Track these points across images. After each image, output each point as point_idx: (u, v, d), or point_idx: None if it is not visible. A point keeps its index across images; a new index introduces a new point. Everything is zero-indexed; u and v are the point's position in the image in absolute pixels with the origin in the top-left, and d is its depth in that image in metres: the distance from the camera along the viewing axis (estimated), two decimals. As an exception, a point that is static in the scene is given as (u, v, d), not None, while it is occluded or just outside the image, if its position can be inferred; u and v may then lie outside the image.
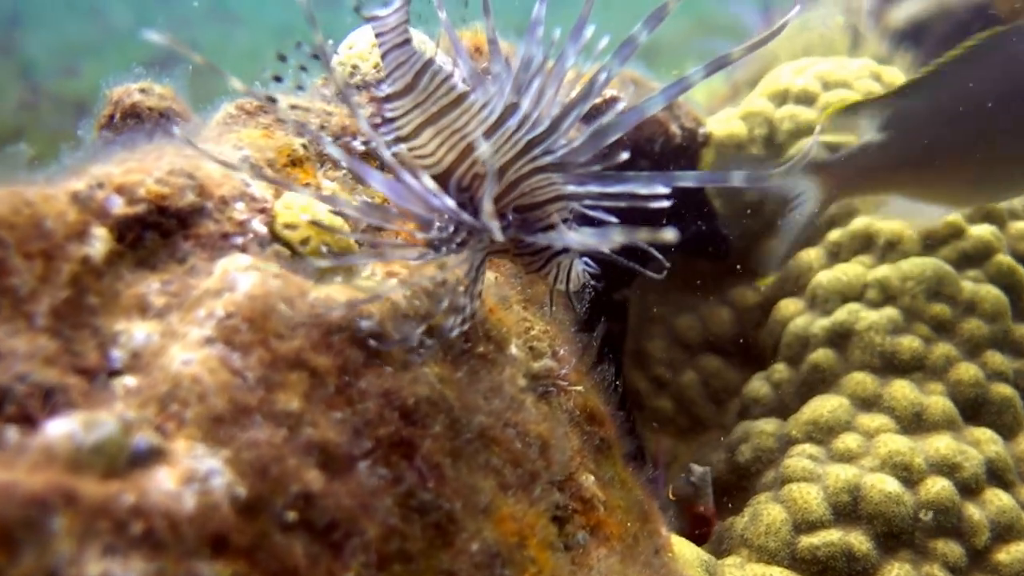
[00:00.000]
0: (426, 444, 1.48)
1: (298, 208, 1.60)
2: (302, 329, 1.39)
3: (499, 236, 1.31)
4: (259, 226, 1.54)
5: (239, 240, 1.49)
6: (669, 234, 1.13)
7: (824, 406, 2.70)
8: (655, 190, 1.46)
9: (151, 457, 1.16)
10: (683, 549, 2.23)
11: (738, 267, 3.47)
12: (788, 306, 3.11)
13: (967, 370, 2.70)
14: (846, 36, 5.31)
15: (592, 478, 2.00)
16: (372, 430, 1.40)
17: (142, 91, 2.30)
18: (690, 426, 3.40)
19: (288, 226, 1.56)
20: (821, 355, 2.86)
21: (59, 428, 1.09)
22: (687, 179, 1.49)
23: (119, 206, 1.40)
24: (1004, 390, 2.70)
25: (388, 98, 1.59)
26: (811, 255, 3.21)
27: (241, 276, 1.39)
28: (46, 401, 1.17)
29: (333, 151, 1.35)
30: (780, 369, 2.99)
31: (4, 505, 0.97)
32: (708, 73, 1.54)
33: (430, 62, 1.58)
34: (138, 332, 1.32)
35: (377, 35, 1.60)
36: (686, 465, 3.04)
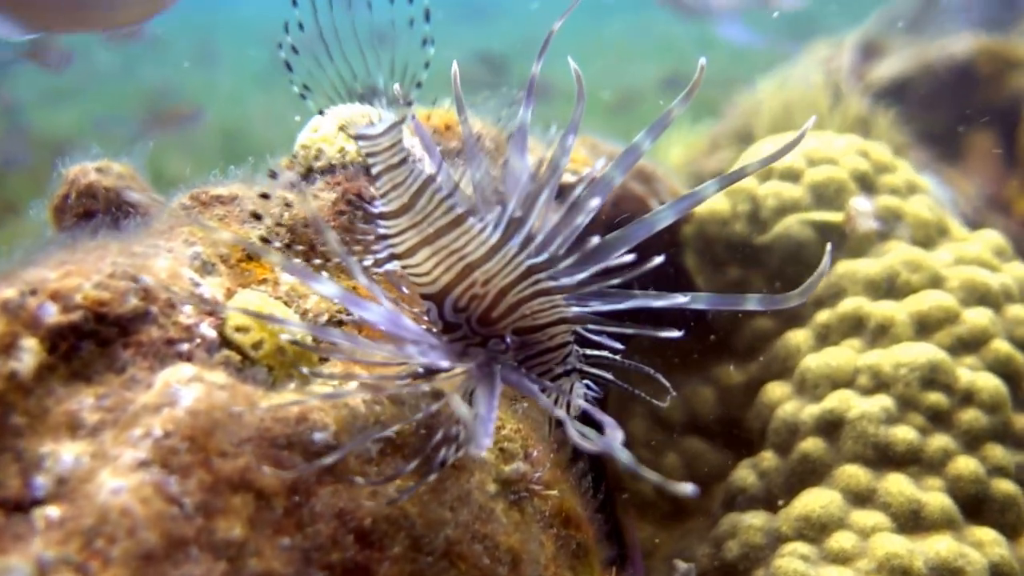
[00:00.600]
0: (384, 568, 1.39)
1: (252, 309, 1.52)
2: (248, 446, 1.31)
3: (487, 447, 1.26)
4: (208, 330, 1.46)
5: (185, 347, 1.41)
6: (687, 488, 1.11)
7: (816, 501, 2.61)
8: (674, 301, 1.45)
9: (69, 605, 1.06)
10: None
11: (712, 338, 3.41)
12: (775, 390, 3.03)
13: (966, 464, 2.61)
14: (827, 94, 5.35)
15: (568, 588, 1.91)
16: (324, 556, 1.31)
17: (99, 170, 2.25)
18: (672, 512, 3.29)
19: (239, 329, 1.48)
20: (811, 444, 2.78)
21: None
22: (700, 301, 1.47)
23: (53, 315, 1.32)
24: (1006, 486, 2.61)
25: (383, 215, 1.53)
26: (799, 337, 3.14)
27: (183, 389, 1.31)
28: (-44, 539, 1.08)
29: (325, 289, 1.29)
30: (768, 457, 2.90)
31: None
32: (722, 187, 1.51)
33: (429, 181, 1.52)
34: (66, 455, 1.23)
35: (368, 155, 1.54)
36: (669, 559, 2.93)
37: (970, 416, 2.69)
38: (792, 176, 3.41)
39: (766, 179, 3.45)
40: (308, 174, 2.11)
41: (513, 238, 1.48)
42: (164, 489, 1.19)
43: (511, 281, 1.47)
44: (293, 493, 1.31)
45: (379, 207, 1.53)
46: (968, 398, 2.71)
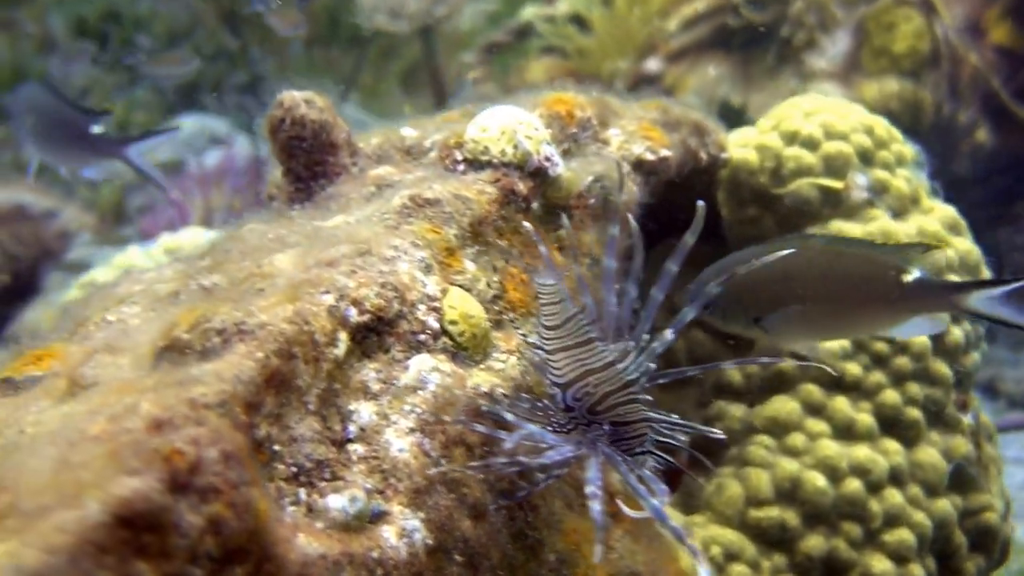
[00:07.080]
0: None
1: (459, 306, 1.97)
2: (463, 415, 1.81)
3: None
4: (433, 323, 1.92)
5: (422, 337, 1.88)
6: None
7: (783, 407, 3.16)
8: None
9: (379, 518, 1.60)
10: (673, 516, 2.73)
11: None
12: (768, 315, 3.52)
13: (890, 395, 3.14)
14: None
15: (618, 472, 2.46)
16: (499, 485, 1.84)
17: (307, 102, 2.53)
18: (675, 383, 3.85)
19: (451, 322, 1.94)
20: (788, 363, 3.30)
21: (337, 503, 1.54)
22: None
23: (354, 316, 1.77)
24: (914, 413, 3.15)
25: (544, 326, 1.89)
26: (792, 273, 3.59)
27: (428, 376, 1.79)
28: (321, 469, 1.60)
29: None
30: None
31: (319, 568, 1.42)
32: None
33: (576, 314, 1.86)
34: (364, 411, 1.73)
35: (539, 296, 1.88)
36: (670, 413, 3.51)
37: (901, 362, 3.20)
38: (811, 145, 3.72)
39: (791, 143, 3.76)
40: (474, 163, 2.45)
41: (623, 361, 1.87)
42: (423, 447, 1.70)
43: (614, 389, 1.84)
44: (485, 445, 1.82)
45: (543, 321, 1.88)
46: (904, 348, 3.21)
